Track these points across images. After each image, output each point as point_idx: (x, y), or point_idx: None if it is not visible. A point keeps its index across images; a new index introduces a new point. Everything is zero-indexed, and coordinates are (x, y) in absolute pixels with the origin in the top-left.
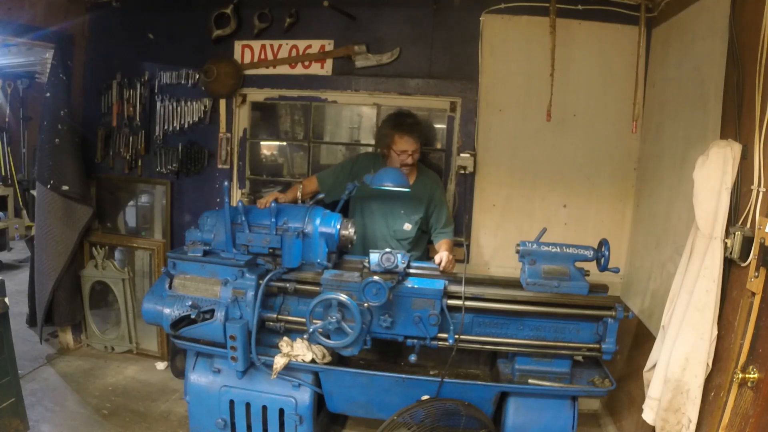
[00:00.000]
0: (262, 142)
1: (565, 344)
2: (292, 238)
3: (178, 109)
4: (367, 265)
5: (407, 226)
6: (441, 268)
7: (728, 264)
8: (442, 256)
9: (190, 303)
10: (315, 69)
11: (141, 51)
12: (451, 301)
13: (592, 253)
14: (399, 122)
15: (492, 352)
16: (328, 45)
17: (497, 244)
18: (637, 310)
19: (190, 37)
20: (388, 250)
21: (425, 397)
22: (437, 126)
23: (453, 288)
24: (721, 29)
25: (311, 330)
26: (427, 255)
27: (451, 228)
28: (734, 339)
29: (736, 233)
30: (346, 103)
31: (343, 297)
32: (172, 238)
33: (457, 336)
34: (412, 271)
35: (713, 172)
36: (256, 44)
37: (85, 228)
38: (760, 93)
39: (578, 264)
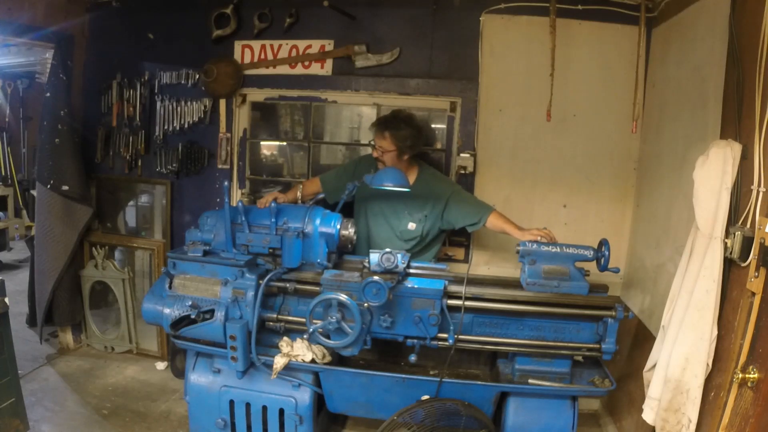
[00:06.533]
0: (262, 142)
1: (565, 344)
2: (292, 238)
3: (178, 109)
4: (367, 265)
5: (411, 226)
6: (549, 238)
7: (728, 264)
8: (534, 233)
9: (190, 303)
10: (315, 69)
11: (141, 51)
12: (451, 301)
13: (592, 253)
14: (383, 117)
15: (492, 352)
16: (328, 45)
17: (497, 244)
18: (637, 310)
19: (190, 37)
20: (388, 250)
21: (425, 397)
22: (437, 126)
23: (453, 288)
24: (721, 29)
25: (311, 330)
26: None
27: (487, 209)
28: (734, 339)
29: (736, 233)
30: (346, 103)
31: (343, 297)
32: (172, 238)
33: (457, 336)
34: (412, 271)
35: (713, 172)
36: (256, 44)
37: (85, 228)
38: (760, 93)
39: (578, 264)
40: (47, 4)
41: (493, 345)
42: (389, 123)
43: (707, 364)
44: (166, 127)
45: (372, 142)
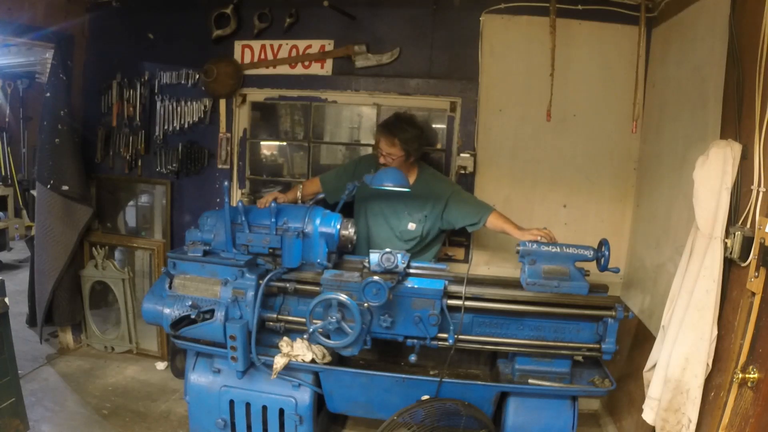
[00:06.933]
0: (262, 142)
1: (565, 344)
2: (292, 238)
3: (178, 109)
4: (367, 265)
5: (411, 226)
6: (549, 238)
7: (728, 264)
8: (534, 233)
9: (190, 303)
10: (315, 69)
11: (141, 51)
12: (451, 301)
13: (592, 253)
14: (387, 123)
15: (492, 352)
16: (328, 45)
17: (497, 244)
18: (637, 310)
19: (190, 37)
20: (388, 250)
21: (425, 397)
22: (437, 126)
23: (453, 288)
24: (721, 29)
25: (311, 330)
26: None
27: (487, 209)
28: (734, 339)
29: (736, 233)
30: (346, 103)
31: (343, 297)
32: (172, 238)
33: (457, 336)
34: (412, 271)
35: (713, 172)
36: (256, 44)
37: (85, 228)
38: (760, 93)
39: (578, 264)
40: (47, 4)
41: (493, 345)
42: (396, 128)
43: (707, 364)
44: (166, 127)
45: (377, 148)
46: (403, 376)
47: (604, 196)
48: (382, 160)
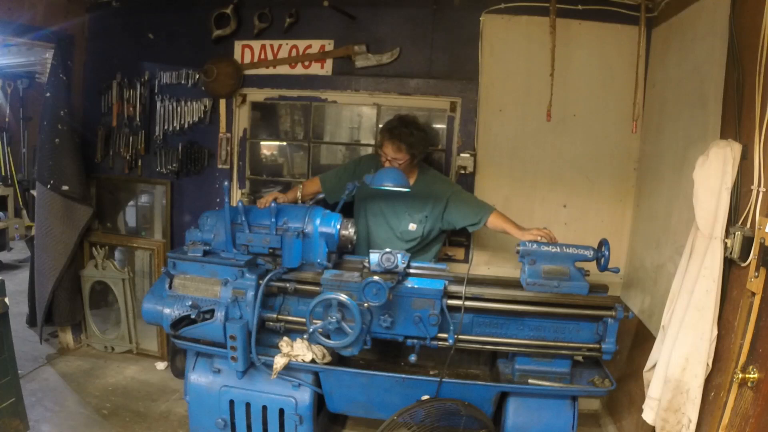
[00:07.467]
0: (262, 142)
1: (565, 344)
2: (292, 238)
3: (178, 109)
4: (367, 265)
5: (412, 226)
6: (549, 238)
7: (728, 264)
8: (534, 233)
9: (190, 303)
10: (315, 69)
11: (141, 51)
12: (451, 301)
13: (592, 253)
14: (392, 127)
15: (492, 352)
16: (328, 45)
17: (497, 244)
18: (637, 310)
19: (190, 37)
20: (388, 250)
21: (425, 397)
22: (437, 126)
23: (453, 288)
24: (721, 29)
25: (311, 330)
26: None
27: (487, 209)
28: (734, 339)
29: (736, 233)
30: (346, 103)
31: (343, 297)
32: (172, 238)
33: (457, 336)
34: (412, 270)
35: (713, 172)
36: (256, 44)
37: (85, 228)
38: (760, 93)
39: (578, 264)
40: (47, 4)
41: (493, 345)
42: (402, 133)
43: (707, 364)
44: (166, 127)
45: (381, 152)
46: (403, 376)
47: (604, 196)
48: (387, 165)
